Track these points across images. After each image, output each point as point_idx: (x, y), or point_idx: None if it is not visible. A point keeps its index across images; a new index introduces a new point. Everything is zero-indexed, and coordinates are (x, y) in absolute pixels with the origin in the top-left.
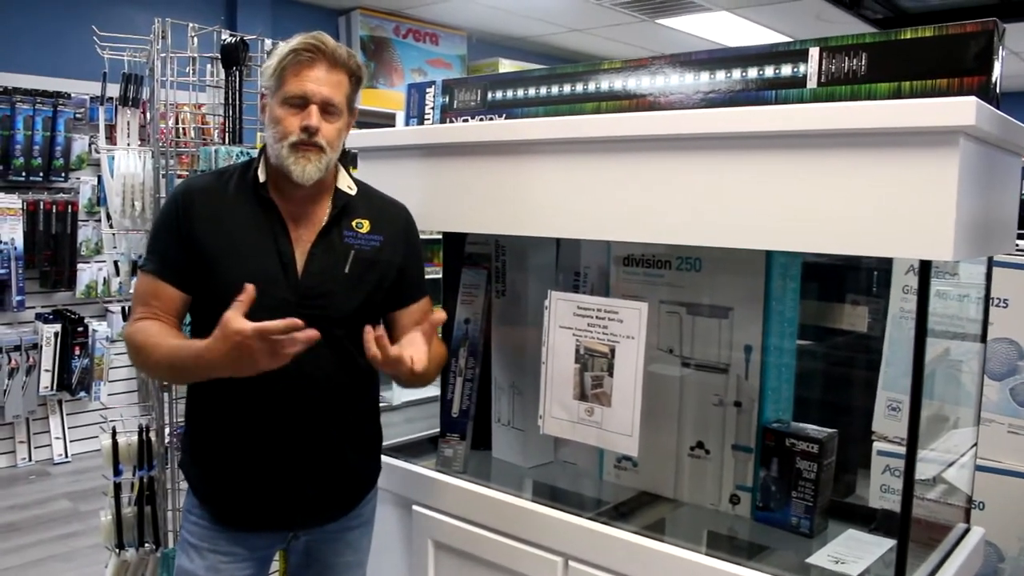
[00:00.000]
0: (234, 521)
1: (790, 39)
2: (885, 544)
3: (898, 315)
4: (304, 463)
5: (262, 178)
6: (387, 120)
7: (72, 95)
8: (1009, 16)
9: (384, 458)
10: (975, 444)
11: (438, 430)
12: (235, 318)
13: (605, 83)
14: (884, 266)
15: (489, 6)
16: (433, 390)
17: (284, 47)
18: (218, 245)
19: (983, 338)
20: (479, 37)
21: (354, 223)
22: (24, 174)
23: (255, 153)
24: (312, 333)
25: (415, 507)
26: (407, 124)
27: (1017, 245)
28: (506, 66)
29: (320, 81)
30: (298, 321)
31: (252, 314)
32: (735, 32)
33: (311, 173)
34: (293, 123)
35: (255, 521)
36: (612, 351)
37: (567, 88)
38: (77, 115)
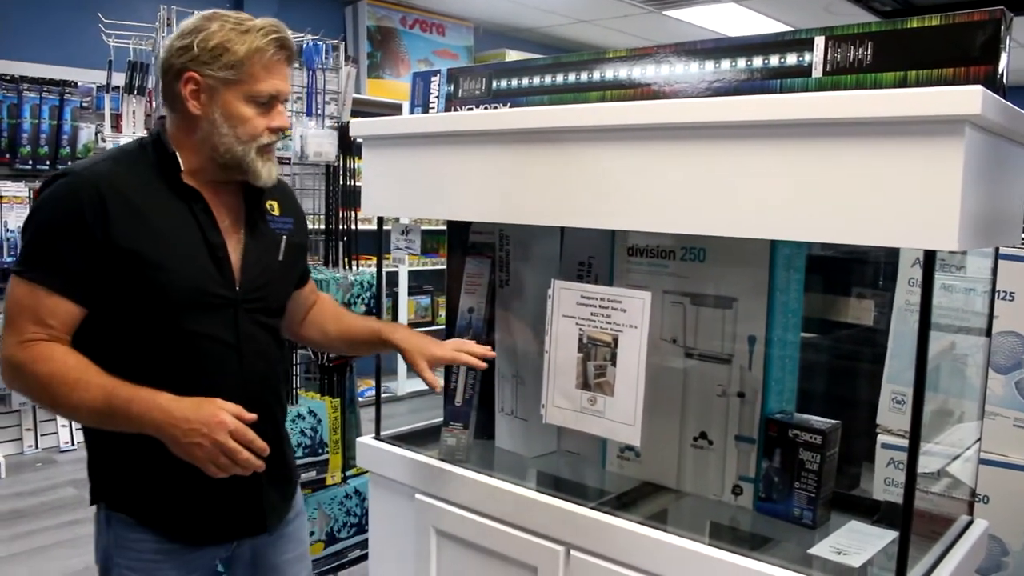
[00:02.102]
0: (200, 538)
1: (783, 31)
2: (888, 536)
3: (903, 308)
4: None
5: (183, 166)
6: (393, 110)
7: (78, 84)
8: (1017, 8)
9: (387, 446)
10: (979, 438)
11: (441, 419)
12: (228, 407)
13: (610, 72)
14: (890, 259)
15: None
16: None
17: (243, 34)
18: (145, 247)
19: (988, 332)
20: (485, 28)
21: (268, 205)
22: (31, 162)
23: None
24: (252, 417)
25: (418, 495)
26: (412, 113)
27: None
28: (512, 57)
29: (287, 78)
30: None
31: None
32: (743, 24)
33: (274, 173)
34: (261, 123)
35: (223, 532)
36: (615, 340)
37: (572, 77)
38: (83, 104)
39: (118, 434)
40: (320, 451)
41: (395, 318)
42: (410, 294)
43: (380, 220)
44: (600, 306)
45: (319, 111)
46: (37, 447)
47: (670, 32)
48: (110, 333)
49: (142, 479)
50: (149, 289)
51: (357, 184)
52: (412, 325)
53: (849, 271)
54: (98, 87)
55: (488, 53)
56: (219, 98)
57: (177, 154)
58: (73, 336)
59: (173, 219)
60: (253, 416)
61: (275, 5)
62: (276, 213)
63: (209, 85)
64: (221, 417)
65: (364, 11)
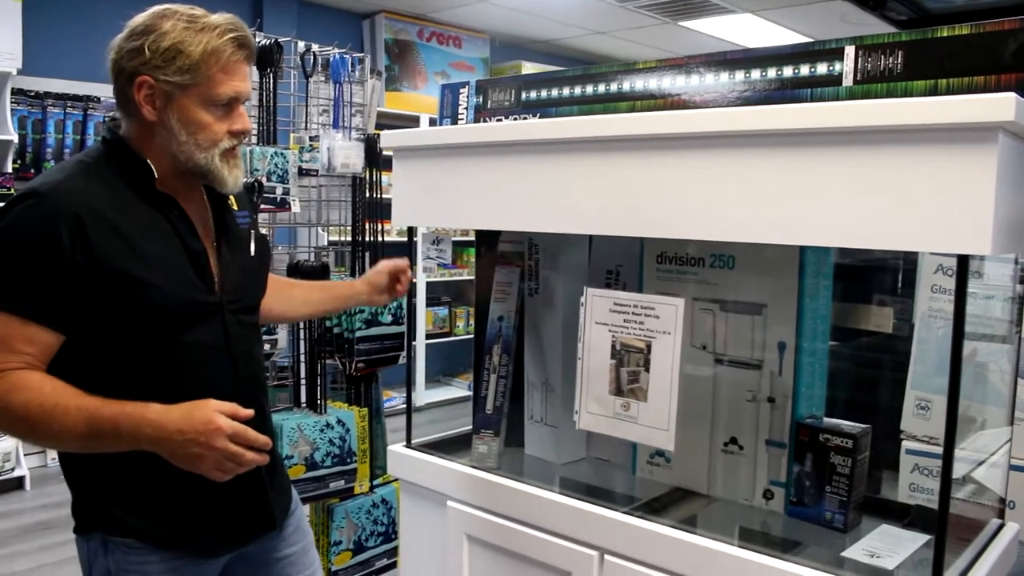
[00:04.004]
0: (212, 548)
1: (813, 41)
2: (919, 539)
3: (927, 314)
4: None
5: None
6: (411, 122)
7: (102, 99)
8: None
9: (419, 454)
10: (1009, 440)
11: (470, 427)
12: (223, 407)
13: (640, 83)
14: (909, 266)
15: (511, 9)
16: (458, 392)
17: (198, 33)
18: (131, 265)
19: (1016, 338)
20: (502, 40)
21: (229, 201)
22: None
23: (289, 155)
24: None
25: (450, 502)
26: (440, 124)
27: None
28: (528, 69)
29: (247, 78)
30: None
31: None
32: (758, 34)
33: (240, 178)
34: (221, 128)
35: (235, 537)
36: (648, 347)
37: (601, 88)
38: (107, 118)
39: (107, 459)
40: (349, 460)
41: (413, 328)
42: (428, 305)
43: (411, 231)
44: (633, 313)
45: (345, 123)
46: None
47: (686, 43)
48: (97, 354)
49: (143, 499)
50: (138, 307)
51: (383, 196)
52: (430, 335)
53: (869, 278)
54: None
55: (504, 65)
56: (175, 104)
57: (149, 162)
58: (56, 361)
59: (152, 232)
60: (250, 412)
61: (294, 21)
62: (235, 208)
63: (164, 90)
64: (217, 422)
65: (381, 24)
